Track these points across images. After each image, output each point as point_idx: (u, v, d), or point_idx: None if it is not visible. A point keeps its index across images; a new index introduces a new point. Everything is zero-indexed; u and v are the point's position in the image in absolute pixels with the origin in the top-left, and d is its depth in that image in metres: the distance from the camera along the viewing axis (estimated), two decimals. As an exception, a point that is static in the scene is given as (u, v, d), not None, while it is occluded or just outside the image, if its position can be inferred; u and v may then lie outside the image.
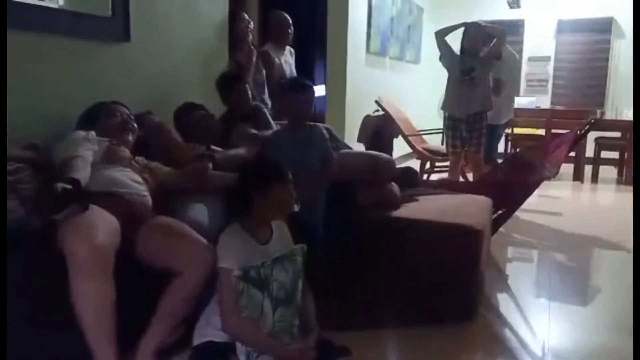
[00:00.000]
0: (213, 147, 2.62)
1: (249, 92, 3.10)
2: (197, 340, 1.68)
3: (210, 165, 2.26)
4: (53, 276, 1.53)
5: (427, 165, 5.67)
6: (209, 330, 1.67)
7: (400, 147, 5.81)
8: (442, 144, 6.05)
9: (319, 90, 4.48)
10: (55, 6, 2.35)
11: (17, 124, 2.11)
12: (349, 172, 2.58)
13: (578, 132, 3.79)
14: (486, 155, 4.60)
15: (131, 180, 2.03)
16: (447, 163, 4.98)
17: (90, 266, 1.51)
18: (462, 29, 4.44)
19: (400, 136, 5.54)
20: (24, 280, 1.55)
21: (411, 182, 3.10)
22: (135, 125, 2.33)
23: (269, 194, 1.67)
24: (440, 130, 6.20)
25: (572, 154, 5.49)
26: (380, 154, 2.85)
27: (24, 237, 1.69)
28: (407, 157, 6.50)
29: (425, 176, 5.46)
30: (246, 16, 3.75)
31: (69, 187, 1.65)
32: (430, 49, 7.57)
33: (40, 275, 1.59)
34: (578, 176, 6.18)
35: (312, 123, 2.32)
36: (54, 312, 1.56)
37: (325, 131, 2.32)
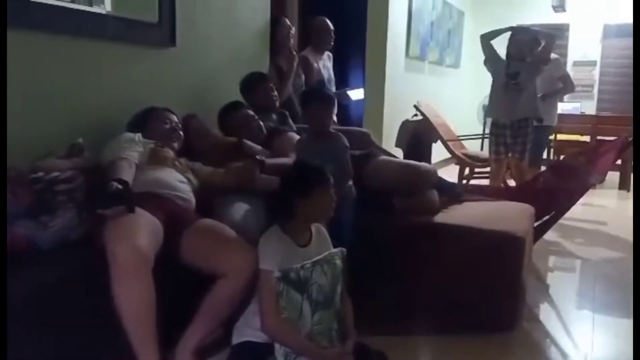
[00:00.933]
0: (247, 142, 2.61)
1: (275, 93, 3.07)
2: (236, 340, 1.71)
3: (258, 170, 2.28)
4: (103, 277, 1.57)
5: (466, 171, 5.59)
6: (248, 330, 1.69)
7: (439, 152, 5.75)
8: (481, 149, 5.96)
9: (358, 94, 4.48)
10: (103, 12, 2.42)
11: (66, 128, 2.19)
12: (387, 182, 2.59)
13: (625, 139, 3.67)
14: (533, 159, 4.53)
15: (176, 180, 2.07)
16: (487, 169, 4.90)
17: (130, 268, 1.55)
18: (508, 33, 4.36)
19: (439, 141, 5.49)
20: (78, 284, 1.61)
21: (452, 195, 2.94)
22: (182, 133, 2.39)
23: (311, 198, 1.70)
24: (480, 136, 6.11)
25: (618, 161, 5.34)
26: (421, 164, 2.81)
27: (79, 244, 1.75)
28: (445, 162, 6.43)
29: (464, 182, 5.38)
30: (288, 22, 3.78)
31: (121, 187, 1.71)
32: (470, 54, 7.49)
33: (91, 277, 1.63)
34: (624, 185, 5.98)
35: (335, 132, 2.32)
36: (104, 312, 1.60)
37: (346, 142, 2.30)
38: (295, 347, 1.64)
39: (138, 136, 2.15)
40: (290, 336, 1.64)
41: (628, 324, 2.71)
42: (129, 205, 1.68)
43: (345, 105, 4.62)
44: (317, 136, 2.32)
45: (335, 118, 4.27)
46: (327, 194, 1.73)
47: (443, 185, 2.84)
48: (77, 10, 2.28)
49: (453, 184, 3.26)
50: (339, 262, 1.75)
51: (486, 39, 4.35)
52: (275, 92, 3.08)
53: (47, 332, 1.51)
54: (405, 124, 5.29)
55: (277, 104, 3.10)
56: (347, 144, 2.30)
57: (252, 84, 3.06)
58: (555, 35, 4.43)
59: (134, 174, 1.95)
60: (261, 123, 2.83)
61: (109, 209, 1.66)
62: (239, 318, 1.73)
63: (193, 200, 2.09)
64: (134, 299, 1.55)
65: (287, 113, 3.04)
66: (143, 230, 1.65)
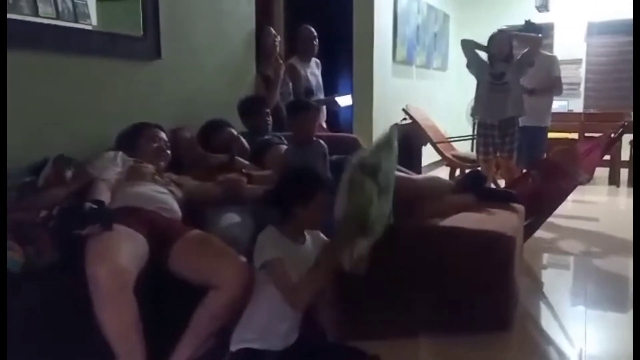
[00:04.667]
0: (238, 158, 2.66)
1: (270, 118, 3.12)
2: (234, 346, 1.68)
3: (245, 180, 2.34)
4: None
5: (457, 172, 5.61)
6: (249, 334, 1.67)
7: (429, 154, 5.78)
8: (472, 150, 5.99)
9: (346, 100, 4.50)
10: (89, 28, 2.43)
11: (51, 144, 2.18)
12: None
13: (611, 135, 3.71)
14: (528, 160, 4.54)
15: (156, 192, 2.06)
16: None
17: (112, 289, 1.53)
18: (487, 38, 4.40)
19: (428, 144, 5.52)
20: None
21: (478, 185, 2.89)
22: (169, 152, 2.40)
23: (311, 207, 1.70)
24: (469, 137, 6.14)
25: (607, 157, 5.38)
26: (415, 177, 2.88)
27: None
28: (436, 164, 6.46)
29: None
30: (273, 31, 3.80)
31: (95, 207, 1.71)
32: (457, 56, 7.52)
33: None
34: (614, 180, 6.03)
35: (316, 139, 2.40)
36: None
37: (323, 149, 2.37)
38: (319, 285, 1.64)
39: (119, 154, 2.16)
40: (313, 286, 1.62)
41: (620, 318, 2.74)
42: (105, 223, 1.67)
43: (334, 111, 4.64)
44: (300, 144, 2.41)
45: (324, 125, 4.31)
46: (325, 201, 1.73)
47: (492, 194, 2.93)
48: (63, 27, 2.29)
49: (503, 192, 3.25)
50: None
51: (466, 46, 4.38)
52: (270, 117, 3.12)
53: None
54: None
55: (269, 128, 3.14)
56: (325, 151, 2.37)
57: (252, 108, 3.10)
58: (541, 38, 4.45)
59: (113, 192, 1.95)
60: (245, 142, 2.85)
61: (86, 229, 1.64)
62: (231, 329, 1.72)
63: (178, 210, 2.09)
64: (117, 318, 1.54)
65: (281, 136, 3.06)
66: (123, 248, 1.64)
